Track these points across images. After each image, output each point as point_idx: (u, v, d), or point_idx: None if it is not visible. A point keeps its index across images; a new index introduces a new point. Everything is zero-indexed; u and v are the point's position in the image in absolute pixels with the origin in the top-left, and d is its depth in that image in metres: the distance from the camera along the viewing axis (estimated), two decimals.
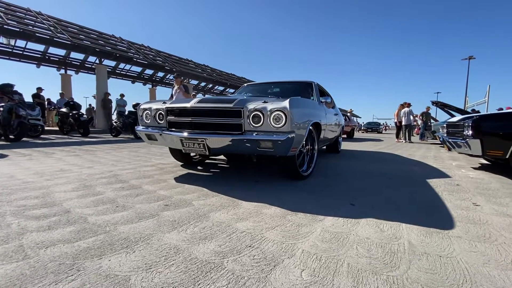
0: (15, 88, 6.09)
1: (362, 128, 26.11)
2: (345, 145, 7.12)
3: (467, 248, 1.17)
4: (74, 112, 8.08)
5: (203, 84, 18.74)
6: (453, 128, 3.39)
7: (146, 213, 1.52)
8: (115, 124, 8.66)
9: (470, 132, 2.90)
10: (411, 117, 9.50)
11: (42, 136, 7.33)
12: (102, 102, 11.40)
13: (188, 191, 2.01)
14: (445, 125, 3.75)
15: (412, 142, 9.32)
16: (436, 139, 8.64)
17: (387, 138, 12.90)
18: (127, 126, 8.34)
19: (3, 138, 5.72)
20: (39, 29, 9.76)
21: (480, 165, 3.87)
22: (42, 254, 1.02)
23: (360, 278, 0.92)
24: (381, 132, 24.87)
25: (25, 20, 9.93)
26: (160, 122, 2.45)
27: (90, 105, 14.20)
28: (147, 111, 2.55)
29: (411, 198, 1.98)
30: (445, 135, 3.61)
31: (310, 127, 2.47)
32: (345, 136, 11.02)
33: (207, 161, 3.52)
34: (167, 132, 2.30)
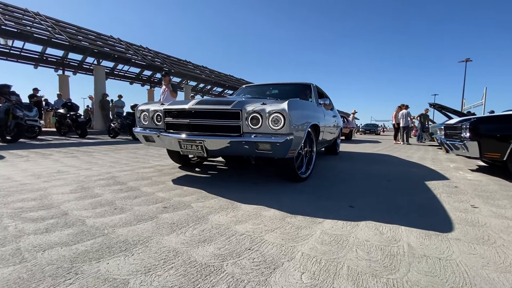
0: (12, 89, 6.06)
1: (360, 130, 26.22)
2: (344, 147, 7.15)
3: (466, 250, 1.17)
4: (71, 113, 8.05)
5: (201, 85, 18.74)
6: (450, 130, 3.41)
7: (145, 215, 1.51)
8: (113, 125, 8.63)
9: (468, 134, 2.92)
10: (409, 119, 9.58)
11: (39, 137, 7.29)
12: (100, 103, 11.36)
13: (187, 193, 2.00)
14: (443, 127, 3.77)
15: (410, 144, 9.37)
16: (434, 141, 8.69)
17: (385, 140, 12.96)
18: (125, 128, 8.32)
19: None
20: (37, 29, 9.73)
21: (477, 167, 3.89)
22: (40, 257, 1.01)
23: (360, 281, 0.91)
24: (379, 134, 24.98)
25: (23, 21, 9.89)
26: (158, 123, 2.44)
27: (87, 106, 14.15)
28: (145, 113, 2.54)
29: (409, 200, 1.98)
30: (443, 137, 3.63)
31: (309, 129, 2.47)
32: (343, 137, 11.06)
33: (205, 163, 3.51)
34: (165, 134, 2.29)
